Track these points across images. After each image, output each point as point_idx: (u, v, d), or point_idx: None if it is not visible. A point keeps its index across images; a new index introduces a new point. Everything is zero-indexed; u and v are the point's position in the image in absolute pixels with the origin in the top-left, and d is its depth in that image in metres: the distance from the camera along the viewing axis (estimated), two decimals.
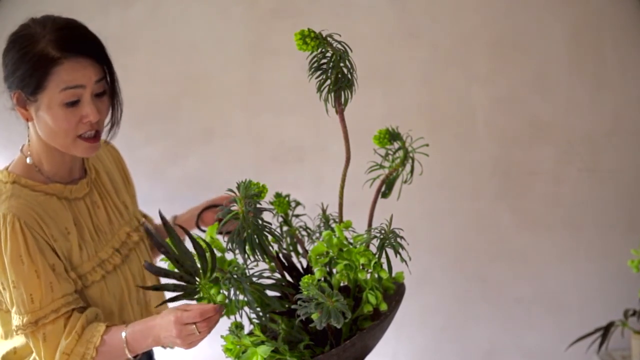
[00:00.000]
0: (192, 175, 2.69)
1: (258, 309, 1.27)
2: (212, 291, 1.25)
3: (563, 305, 2.73)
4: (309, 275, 1.17)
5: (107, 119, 1.49)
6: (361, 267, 1.21)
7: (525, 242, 2.71)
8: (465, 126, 2.65)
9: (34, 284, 1.36)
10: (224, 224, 1.18)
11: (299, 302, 1.15)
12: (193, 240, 1.25)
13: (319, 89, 1.21)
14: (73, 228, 1.46)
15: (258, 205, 1.19)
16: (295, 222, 1.43)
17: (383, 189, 1.37)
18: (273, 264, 1.29)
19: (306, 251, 1.39)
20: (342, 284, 1.28)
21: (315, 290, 1.13)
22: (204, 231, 1.55)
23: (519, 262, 2.72)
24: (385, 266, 1.22)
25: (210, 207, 1.73)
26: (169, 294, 1.27)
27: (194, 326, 1.25)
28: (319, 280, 1.19)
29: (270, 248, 1.26)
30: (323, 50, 1.18)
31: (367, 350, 1.26)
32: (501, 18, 2.60)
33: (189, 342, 1.29)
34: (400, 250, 1.20)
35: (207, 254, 1.24)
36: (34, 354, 1.42)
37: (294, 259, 1.39)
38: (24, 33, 1.38)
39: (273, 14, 2.61)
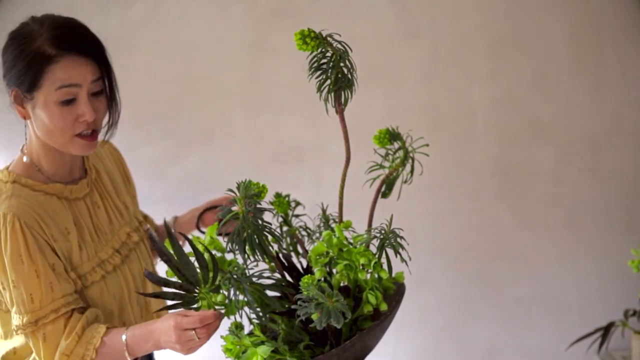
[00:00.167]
0: (192, 175, 2.69)
1: (258, 309, 1.27)
2: (213, 299, 1.25)
3: (563, 305, 2.73)
4: (309, 275, 1.17)
5: (105, 119, 1.48)
6: (361, 267, 1.21)
7: (525, 242, 2.70)
8: (465, 126, 2.65)
9: (34, 284, 1.36)
10: (223, 224, 1.18)
11: (299, 302, 1.15)
12: (196, 251, 1.25)
13: (319, 89, 1.21)
14: (73, 228, 1.46)
15: (258, 206, 1.19)
16: (295, 222, 1.43)
17: (383, 189, 1.37)
18: (273, 264, 1.28)
19: (306, 251, 1.39)
20: (342, 284, 1.28)
21: (315, 290, 1.13)
22: (204, 232, 1.55)
23: (519, 262, 2.71)
24: (385, 266, 1.22)
25: (211, 208, 1.72)
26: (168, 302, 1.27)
27: (194, 332, 1.25)
28: (319, 280, 1.19)
29: (270, 248, 1.25)
30: (323, 50, 1.18)
31: (367, 350, 1.26)
32: (501, 18, 2.60)
33: (188, 347, 1.28)
34: (400, 250, 1.20)
35: (210, 265, 1.24)
36: (33, 354, 1.42)
37: (294, 259, 1.39)
38: (23, 31, 1.38)
39: (273, 14, 2.60)
